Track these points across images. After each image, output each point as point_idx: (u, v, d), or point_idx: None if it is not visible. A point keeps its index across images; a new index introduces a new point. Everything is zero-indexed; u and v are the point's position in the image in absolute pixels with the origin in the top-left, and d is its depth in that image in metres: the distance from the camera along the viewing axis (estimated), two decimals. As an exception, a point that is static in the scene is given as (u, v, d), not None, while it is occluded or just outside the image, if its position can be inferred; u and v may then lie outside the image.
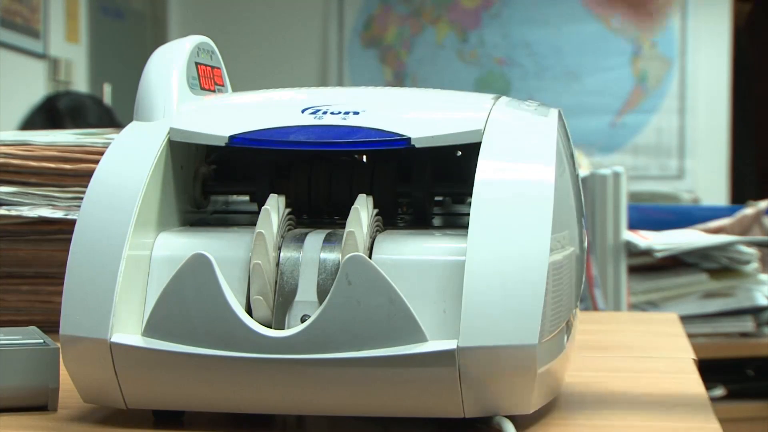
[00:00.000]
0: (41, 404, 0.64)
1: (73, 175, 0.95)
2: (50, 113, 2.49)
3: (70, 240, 0.60)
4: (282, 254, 0.59)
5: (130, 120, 0.66)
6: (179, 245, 0.61)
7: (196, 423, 0.61)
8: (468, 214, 0.57)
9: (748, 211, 2.12)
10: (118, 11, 4.67)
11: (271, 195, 0.60)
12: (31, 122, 2.48)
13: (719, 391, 1.83)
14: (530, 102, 0.66)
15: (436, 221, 0.68)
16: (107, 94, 4.25)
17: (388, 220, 0.64)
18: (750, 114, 5.51)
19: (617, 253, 1.82)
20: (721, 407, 1.70)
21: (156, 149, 0.62)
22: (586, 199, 0.76)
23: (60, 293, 0.59)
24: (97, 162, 0.63)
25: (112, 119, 2.56)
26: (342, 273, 0.55)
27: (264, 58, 5.06)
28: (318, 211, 0.66)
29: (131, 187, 0.61)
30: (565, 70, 5.15)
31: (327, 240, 0.59)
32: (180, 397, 0.58)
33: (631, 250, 1.83)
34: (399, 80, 5.12)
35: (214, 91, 0.71)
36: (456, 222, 0.68)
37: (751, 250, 1.89)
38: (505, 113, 0.62)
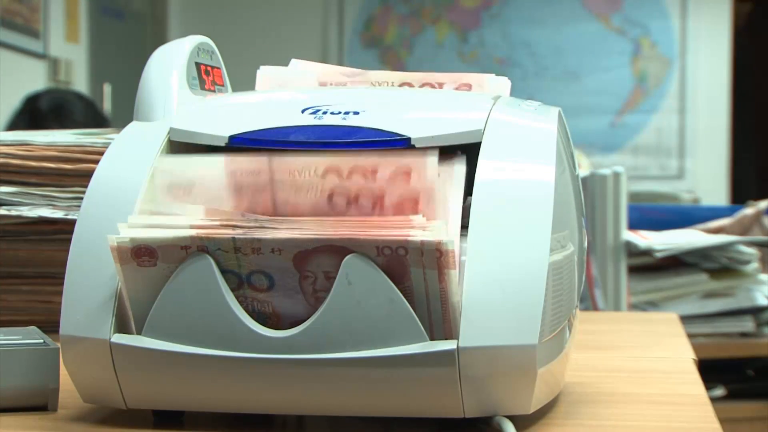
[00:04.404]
0: (41, 404, 0.64)
1: (73, 175, 0.95)
2: (32, 115, 2.44)
3: (70, 240, 0.60)
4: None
5: (130, 120, 0.66)
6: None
7: (196, 423, 0.61)
8: (468, 214, 0.57)
9: (748, 211, 2.12)
10: (118, 11, 4.67)
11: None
12: (14, 126, 2.42)
13: (719, 391, 1.83)
14: (530, 102, 0.66)
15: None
16: (107, 94, 4.25)
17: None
18: (750, 114, 5.51)
19: (617, 253, 1.82)
20: (721, 407, 1.70)
21: (156, 149, 0.62)
22: (586, 199, 0.76)
23: (60, 293, 0.59)
24: (97, 162, 0.63)
25: (96, 112, 2.52)
26: (342, 273, 0.55)
27: (264, 58, 5.01)
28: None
29: (131, 187, 0.61)
30: (565, 70, 5.15)
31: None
32: (180, 397, 0.58)
33: (631, 250, 1.83)
34: (399, 80, 5.11)
35: (214, 91, 0.71)
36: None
37: (751, 250, 1.88)
38: (505, 113, 0.62)
